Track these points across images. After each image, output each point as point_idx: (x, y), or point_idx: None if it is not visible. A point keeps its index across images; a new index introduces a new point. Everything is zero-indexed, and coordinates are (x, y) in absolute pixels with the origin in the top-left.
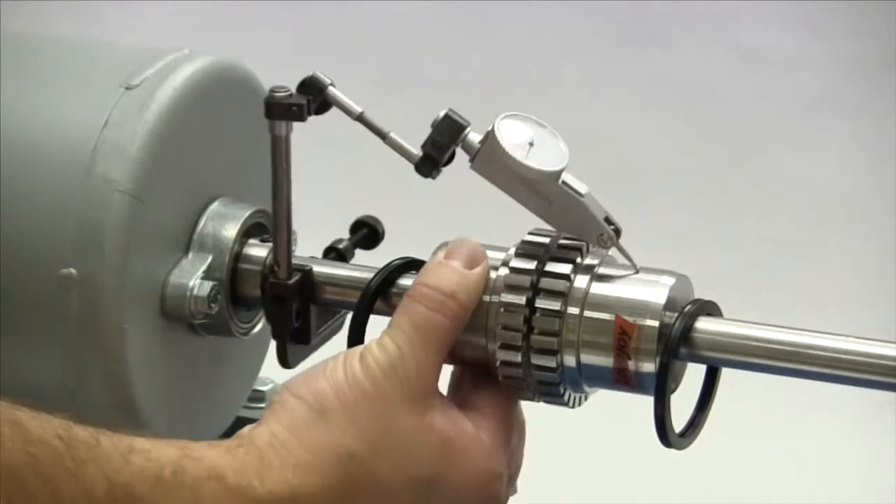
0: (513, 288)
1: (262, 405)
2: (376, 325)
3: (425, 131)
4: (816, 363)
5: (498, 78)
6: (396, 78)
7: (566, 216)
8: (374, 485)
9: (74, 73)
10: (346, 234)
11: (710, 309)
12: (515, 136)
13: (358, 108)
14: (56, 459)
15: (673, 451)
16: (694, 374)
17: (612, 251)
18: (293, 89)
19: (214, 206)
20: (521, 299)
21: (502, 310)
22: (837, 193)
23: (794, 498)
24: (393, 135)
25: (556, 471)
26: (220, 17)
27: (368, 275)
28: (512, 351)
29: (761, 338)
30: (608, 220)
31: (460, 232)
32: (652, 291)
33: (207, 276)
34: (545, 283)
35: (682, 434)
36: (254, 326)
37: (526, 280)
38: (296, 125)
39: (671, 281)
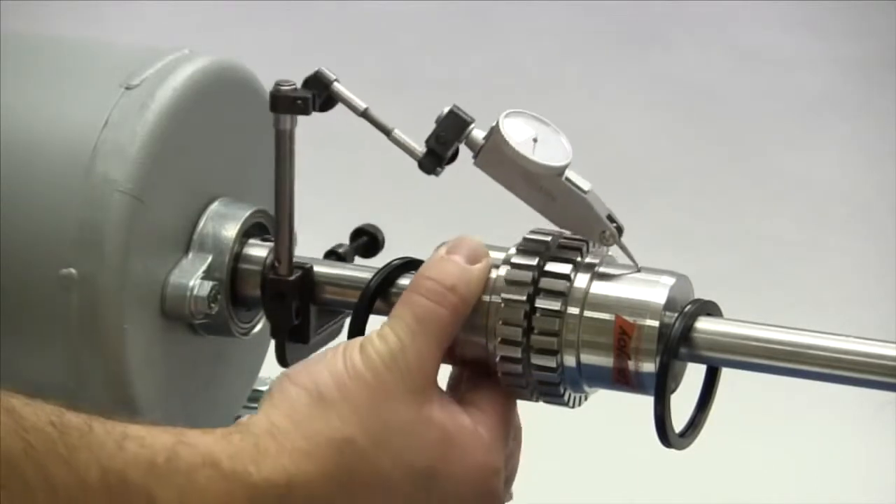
0: (513, 288)
1: None
2: (376, 325)
3: (425, 131)
4: (816, 363)
5: (498, 78)
6: (396, 78)
7: (569, 213)
8: (374, 475)
9: (74, 73)
10: (345, 236)
11: (710, 309)
12: (520, 133)
13: (363, 105)
14: (49, 446)
15: (673, 451)
16: (694, 374)
17: (612, 251)
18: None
19: (214, 206)
20: (522, 299)
21: (502, 311)
22: (837, 193)
23: (794, 498)
24: (397, 131)
25: (556, 471)
26: (220, 17)
27: (368, 275)
28: (512, 351)
29: (761, 338)
30: (610, 218)
31: (460, 232)
32: (652, 291)
33: (207, 276)
34: (545, 282)
35: (682, 434)
36: (254, 326)
37: (526, 280)
38: (297, 125)
39: (671, 281)
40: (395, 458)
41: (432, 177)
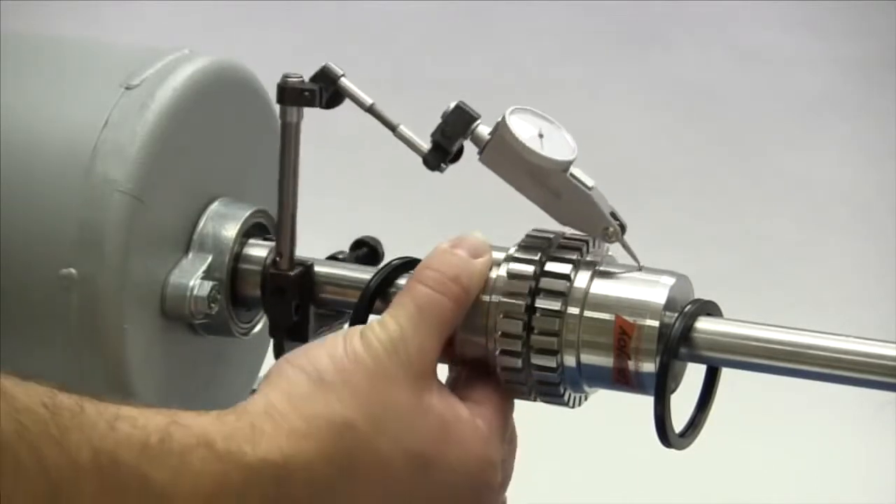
0: (513, 287)
1: None
2: None
3: (425, 131)
4: (816, 363)
5: (498, 78)
6: (396, 78)
7: (572, 209)
8: (373, 459)
9: (74, 73)
10: (345, 236)
11: (710, 309)
12: (526, 128)
13: (369, 100)
14: (41, 427)
15: (673, 451)
16: (694, 374)
17: (613, 251)
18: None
19: (214, 206)
20: (521, 299)
21: (502, 310)
22: (837, 193)
23: (794, 498)
24: (402, 127)
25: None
26: (220, 17)
27: (368, 275)
28: (512, 351)
29: (761, 338)
30: (613, 216)
31: (460, 232)
32: (652, 291)
33: (207, 276)
34: (545, 282)
35: (682, 434)
36: (254, 326)
37: (526, 280)
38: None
39: (671, 281)
40: (395, 443)
41: (431, 178)
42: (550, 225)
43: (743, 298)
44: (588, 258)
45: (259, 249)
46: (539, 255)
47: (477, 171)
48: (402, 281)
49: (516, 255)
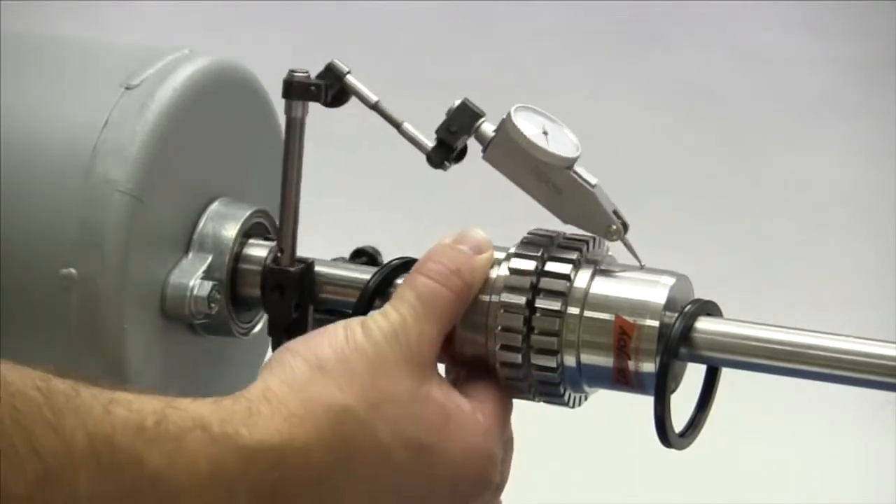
0: (513, 287)
1: None
2: None
3: (425, 131)
4: (816, 363)
5: (498, 78)
6: (396, 78)
7: (575, 207)
8: (373, 445)
9: (74, 73)
10: (344, 237)
11: (710, 309)
12: (531, 125)
13: (374, 97)
14: (35, 410)
15: (673, 451)
16: (694, 374)
17: (613, 251)
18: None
19: (214, 206)
20: (522, 299)
21: (502, 309)
22: (837, 193)
23: (794, 498)
24: (407, 124)
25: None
26: (220, 17)
27: (367, 275)
28: (512, 351)
29: (761, 338)
30: (616, 214)
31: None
32: (652, 291)
33: (207, 276)
34: (545, 282)
35: (682, 434)
36: (254, 326)
37: (526, 280)
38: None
39: (671, 281)
40: (394, 431)
41: (431, 178)
42: (550, 226)
43: (743, 298)
44: (588, 258)
45: (259, 249)
46: (539, 254)
47: (476, 171)
48: (400, 281)
49: (516, 254)
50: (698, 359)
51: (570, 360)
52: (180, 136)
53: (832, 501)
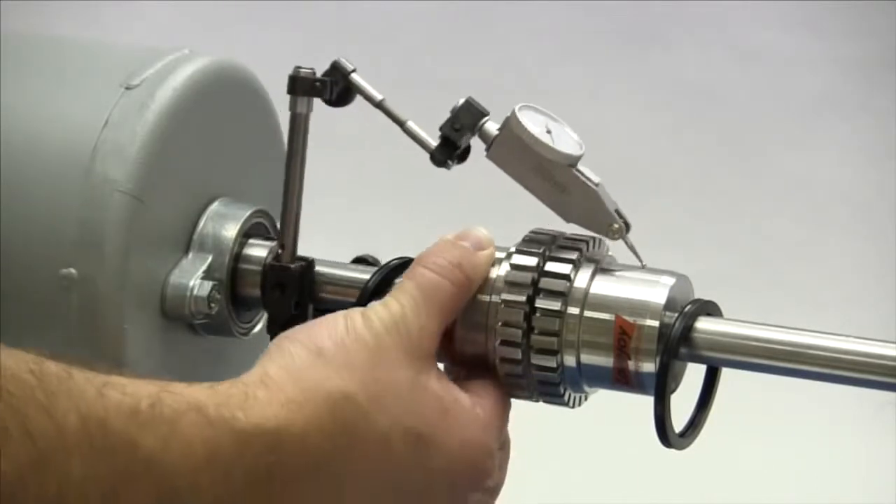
0: (513, 287)
1: None
2: None
3: (426, 131)
4: (816, 363)
5: (498, 78)
6: (396, 78)
7: (578, 205)
8: (370, 434)
9: (74, 73)
10: (344, 237)
11: (710, 309)
12: (535, 124)
13: (379, 96)
14: (28, 393)
15: (673, 451)
16: (694, 374)
17: (613, 251)
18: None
19: (214, 206)
20: (522, 299)
21: (503, 305)
22: (837, 193)
23: (794, 498)
24: (410, 123)
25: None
26: (220, 17)
27: (366, 275)
28: (512, 350)
29: (761, 338)
30: (618, 213)
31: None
32: (652, 291)
33: (207, 276)
34: (545, 282)
35: (682, 434)
36: (254, 326)
37: (527, 276)
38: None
39: (671, 281)
40: (393, 420)
41: (431, 178)
42: (550, 226)
43: (743, 298)
44: (588, 258)
45: (259, 249)
46: (539, 254)
47: (477, 171)
48: (399, 281)
49: (516, 254)
50: (698, 359)
51: (570, 360)
52: (180, 136)
53: (832, 501)
